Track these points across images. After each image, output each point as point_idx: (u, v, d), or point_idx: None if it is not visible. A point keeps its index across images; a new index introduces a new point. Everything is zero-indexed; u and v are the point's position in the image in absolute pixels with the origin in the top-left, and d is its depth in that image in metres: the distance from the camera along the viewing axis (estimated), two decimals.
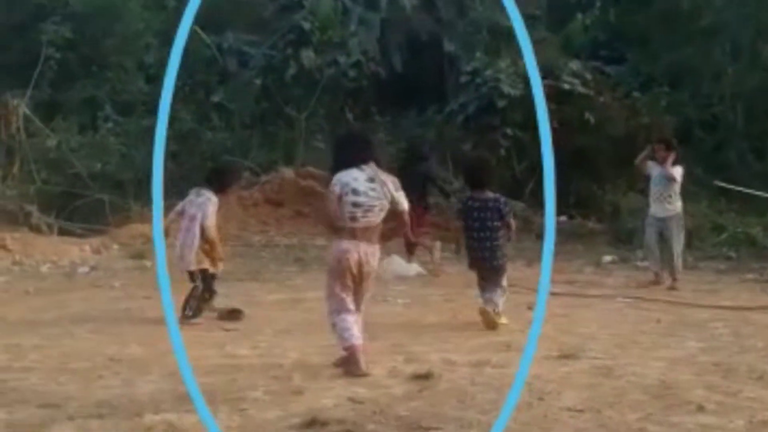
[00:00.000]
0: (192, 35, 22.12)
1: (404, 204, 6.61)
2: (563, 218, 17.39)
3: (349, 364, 6.38)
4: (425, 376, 6.10)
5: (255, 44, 22.62)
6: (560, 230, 17.01)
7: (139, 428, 4.82)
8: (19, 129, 17.88)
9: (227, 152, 19.17)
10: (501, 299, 8.59)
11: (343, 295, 6.50)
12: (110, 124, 19.83)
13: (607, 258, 14.60)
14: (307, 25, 21.11)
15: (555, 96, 17.97)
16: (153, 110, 21.16)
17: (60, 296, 10.45)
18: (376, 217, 6.51)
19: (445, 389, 5.81)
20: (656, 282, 11.42)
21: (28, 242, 13.79)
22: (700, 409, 5.30)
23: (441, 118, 19.83)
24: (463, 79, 18.95)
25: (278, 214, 17.89)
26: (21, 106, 18.06)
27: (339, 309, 6.51)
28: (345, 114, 21.53)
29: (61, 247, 14.67)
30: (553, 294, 10.36)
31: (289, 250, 15.35)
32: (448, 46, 21.74)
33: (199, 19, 21.07)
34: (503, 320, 8.50)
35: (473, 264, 8.80)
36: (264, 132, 21.15)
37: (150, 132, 20.35)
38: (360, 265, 6.46)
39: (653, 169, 11.72)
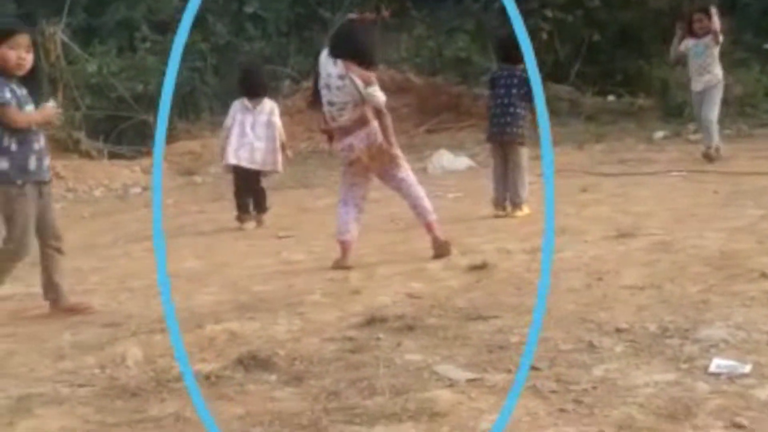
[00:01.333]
0: None
1: (375, 100, 6.43)
2: (611, 97, 17.11)
3: (340, 257, 6.67)
4: (481, 267, 6.06)
5: None
6: (610, 109, 16.77)
7: (201, 339, 4.85)
8: (59, 57, 17.88)
9: (266, 61, 18.99)
10: (522, 189, 8.49)
11: (349, 192, 6.72)
12: (148, 44, 19.73)
13: (659, 134, 14.36)
14: None
15: None
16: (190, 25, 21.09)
17: (115, 218, 10.57)
18: (354, 113, 6.44)
19: (502, 278, 5.77)
20: (708, 156, 11.12)
21: (79, 168, 13.93)
22: (764, 276, 5.19)
23: (478, 7, 19.38)
24: None
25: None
26: (58, 33, 18.02)
27: (343, 200, 6.78)
28: (380, 11, 21.17)
29: (111, 171, 14.83)
30: (606, 175, 10.23)
31: (335, 154, 15.26)
32: None
33: None
34: (525, 210, 8.42)
35: (491, 136, 8.77)
36: (300, 38, 20.92)
37: (188, 48, 20.29)
38: (367, 148, 6.45)
39: (689, 45, 11.25)
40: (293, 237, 8.15)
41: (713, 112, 10.94)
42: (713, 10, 10.94)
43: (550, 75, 11.76)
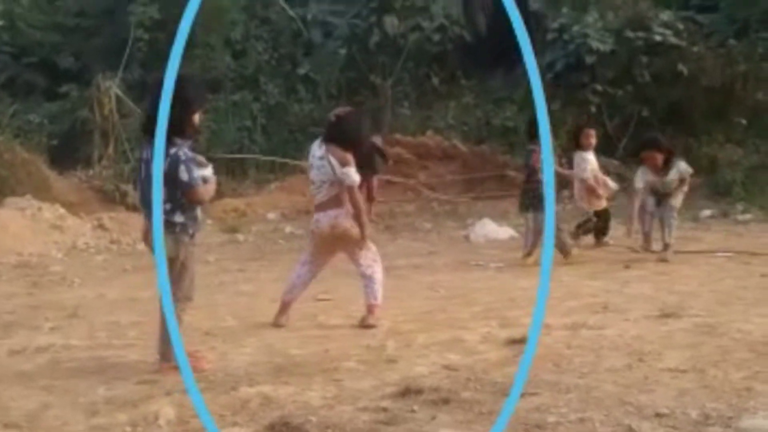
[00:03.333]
0: (277, 8, 22.26)
1: (347, 180, 6.76)
2: None
3: (276, 314, 7.13)
4: (520, 341, 5.99)
5: (339, 14, 22.57)
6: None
7: (235, 401, 4.83)
8: (112, 111, 18.23)
9: (314, 124, 19.20)
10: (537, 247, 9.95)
11: (309, 257, 7.16)
12: None
13: (706, 212, 14.21)
14: None
15: (647, 49, 17.49)
16: (241, 86, 21.41)
17: (156, 273, 10.61)
18: (330, 192, 6.82)
19: (541, 353, 5.68)
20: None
21: (124, 221, 14.06)
22: None
23: (528, 79, 19.47)
24: (550, 36, 18.54)
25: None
26: (113, 87, 18.40)
27: (302, 261, 7.20)
28: (430, 79, 21.37)
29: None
30: (651, 251, 10.12)
31: (379, 218, 15.32)
32: (533, 4, 21.31)
33: None
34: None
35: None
36: (350, 101, 21.08)
37: (238, 106, 20.61)
38: (331, 228, 6.84)
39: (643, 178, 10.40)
40: (331, 301, 8.12)
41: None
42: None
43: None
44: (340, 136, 6.84)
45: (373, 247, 7.12)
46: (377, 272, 7.05)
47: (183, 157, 5.48)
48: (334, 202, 6.83)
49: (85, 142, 18.99)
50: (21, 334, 7.09)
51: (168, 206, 5.57)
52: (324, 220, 6.88)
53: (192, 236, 5.71)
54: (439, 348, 6.03)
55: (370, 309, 7.02)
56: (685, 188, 10.29)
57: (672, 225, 10.10)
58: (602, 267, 9.64)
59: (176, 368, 5.57)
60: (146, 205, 5.70)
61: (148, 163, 5.58)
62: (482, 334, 6.41)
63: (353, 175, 6.78)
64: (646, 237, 10.26)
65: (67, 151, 19.10)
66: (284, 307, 7.16)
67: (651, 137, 10.89)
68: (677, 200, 10.18)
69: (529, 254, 10.13)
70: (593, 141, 11.25)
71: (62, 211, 14.53)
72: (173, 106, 5.45)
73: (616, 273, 9.17)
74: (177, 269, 5.70)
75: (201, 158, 5.75)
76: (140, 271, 10.74)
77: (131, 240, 13.58)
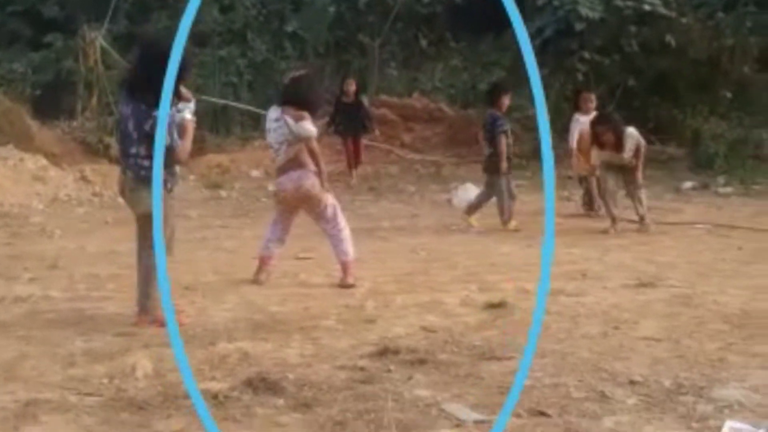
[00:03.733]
0: None
1: (302, 131, 6.82)
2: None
3: (255, 272, 7.16)
4: (499, 305, 6.03)
5: None
6: None
7: (213, 356, 4.85)
8: (97, 62, 18.02)
9: None
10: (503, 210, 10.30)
11: (277, 217, 7.27)
12: None
13: (687, 184, 14.27)
14: None
15: (636, 18, 17.44)
16: (228, 40, 21.24)
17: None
18: (289, 152, 6.87)
19: (519, 318, 5.73)
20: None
21: (107, 174, 13.96)
22: None
23: (517, 43, 19.39)
24: (540, 2, 18.45)
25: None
26: (98, 38, 18.18)
27: (273, 221, 7.32)
28: (419, 41, 21.27)
29: None
30: (631, 221, 10.16)
31: (363, 179, 15.31)
32: None
33: None
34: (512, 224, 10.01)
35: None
36: (338, 60, 21.02)
37: (225, 62, 20.46)
38: (295, 190, 6.93)
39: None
40: (312, 259, 8.13)
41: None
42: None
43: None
44: (295, 98, 6.92)
45: (334, 202, 7.14)
46: (343, 229, 7.10)
47: (168, 120, 5.46)
48: (295, 162, 6.89)
49: (69, 93, 18.80)
50: None
51: (146, 162, 5.55)
52: (286, 182, 6.97)
53: (170, 190, 5.70)
54: (418, 309, 6.07)
55: (344, 267, 7.06)
56: (642, 158, 10.15)
57: (642, 198, 10.07)
58: (583, 235, 9.68)
59: (154, 322, 5.59)
60: (125, 159, 5.68)
61: (128, 118, 5.58)
62: (461, 297, 6.45)
63: (309, 126, 6.88)
64: (614, 219, 10.09)
65: (51, 101, 18.93)
66: (262, 263, 7.19)
67: (605, 114, 10.96)
68: (639, 173, 10.07)
69: (509, 220, 10.23)
70: (591, 105, 11.39)
71: (44, 161, 14.45)
72: (161, 72, 5.40)
73: (597, 241, 9.21)
74: (153, 222, 5.67)
75: (186, 91, 5.70)
76: (121, 224, 10.67)
77: (113, 193, 13.51)
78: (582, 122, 11.10)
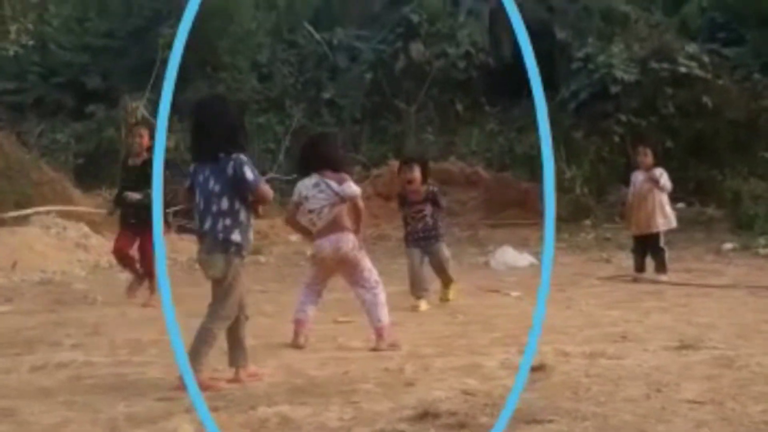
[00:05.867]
0: (303, 32, 22.42)
1: (349, 191, 6.94)
2: (681, 205, 16.97)
3: (293, 336, 7.15)
4: (538, 368, 5.99)
5: (365, 39, 22.81)
6: (679, 217, 16.60)
7: (253, 421, 4.86)
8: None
9: None
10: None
11: (311, 280, 7.28)
12: None
13: (728, 245, 14.16)
14: (416, 18, 21.15)
15: (672, 80, 17.52)
16: (266, 108, 21.61)
17: (178, 291, 10.67)
18: (331, 213, 6.94)
19: (559, 381, 5.69)
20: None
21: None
22: None
23: (553, 106, 19.54)
24: (575, 65, 18.67)
25: (389, 207, 17.94)
26: (139, 108, 18.56)
27: (306, 284, 7.32)
28: (455, 105, 21.48)
29: (179, 245, 15.05)
30: (672, 284, 10.10)
31: (400, 242, 15.32)
32: (560, 34, 21.45)
33: (310, 16, 21.26)
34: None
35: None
36: (374, 126, 21.27)
37: (263, 129, 20.77)
38: (334, 252, 6.97)
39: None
40: (351, 323, 8.15)
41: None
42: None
43: (622, 178, 11.86)
44: (325, 159, 7.01)
45: (371, 267, 7.18)
46: (379, 294, 7.10)
47: (245, 159, 5.63)
48: (335, 225, 6.95)
49: (111, 161, 19.16)
50: (42, 350, 7.16)
51: (228, 222, 5.64)
52: (326, 244, 6.99)
53: (243, 258, 5.79)
54: (457, 372, 6.04)
55: (378, 333, 7.05)
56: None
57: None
58: (622, 297, 9.62)
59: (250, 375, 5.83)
60: (204, 223, 5.75)
61: (207, 180, 5.69)
62: (501, 360, 6.42)
63: (355, 186, 6.99)
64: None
65: (93, 170, 19.30)
66: (299, 326, 7.20)
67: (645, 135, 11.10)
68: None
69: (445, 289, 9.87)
70: (646, 159, 11.08)
71: (86, 229, 14.66)
72: (223, 123, 5.64)
73: (636, 303, 9.15)
74: (224, 288, 5.78)
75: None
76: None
77: None
78: (633, 181, 11.06)
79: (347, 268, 7.09)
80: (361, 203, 7.05)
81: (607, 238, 12.77)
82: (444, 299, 9.66)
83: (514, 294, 10.12)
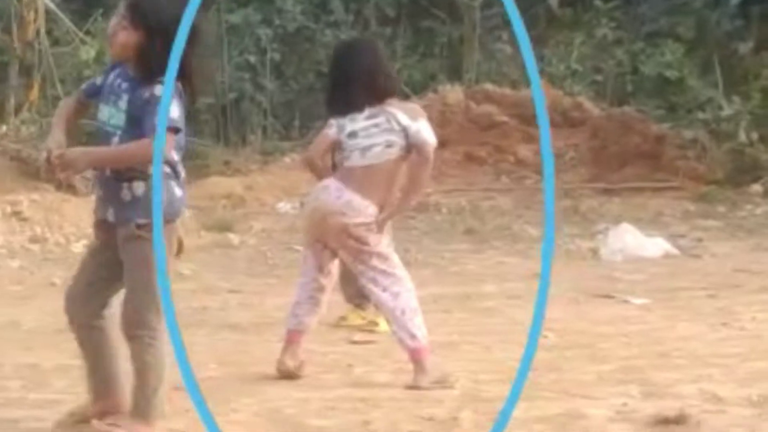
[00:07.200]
0: None
1: (425, 134, 6.94)
2: None
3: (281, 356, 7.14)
4: (675, 421, 5.97)
5: None
6: None
7: None
8: (40, 33, 18.35)
9: None
10: None
11: (310, 256, 7.25)
12: None
13: None
14: None
15: None
16: (243, 1, 21.59)
17: None
18: (382, 156, 6.95)
19: None
20: None
21: (53, 207, 14.24)
22: None
23: (701, 2, 19.42)
24: None
25: (439, 160, 17.92)
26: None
27: (302, 275, 7.37)
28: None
29: None
30: None
31: (456, 216, 15.36)
32: None
33: None
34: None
35: None
36: (415, 29, 21.22)
37: (238, 32, 20.75)
38: (328, 209, 6.93)
39: None
40: (373, 343, 8.17)
41: None
42: None
43: None
44: (385, 81, 7.12)
45: (391, 258, 7.12)
46: (403, 293, 6.99)
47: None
48: (372, 183, 6.93)
49: None
50: None
51: None
52: (323, 196, 7.03)
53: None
54: (543, 427, 6.04)
55: (414, 357, 6.93)
56: None
57: None
58: None
59: None
60: None
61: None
62: (615, 406, 6.40)
63: (430, 128, 6.99)
64: None
65: None
66: (291, 342, 7.17)
67: None
68: None
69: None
70: None
71: None
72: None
73: None
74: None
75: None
76: None
77: (62, 236, 13.73)
78: None
79: (346, 245, 6.98)
80: (431, 158, 6.99)
81: None
82: None
83: (638, 301, 10.10)
